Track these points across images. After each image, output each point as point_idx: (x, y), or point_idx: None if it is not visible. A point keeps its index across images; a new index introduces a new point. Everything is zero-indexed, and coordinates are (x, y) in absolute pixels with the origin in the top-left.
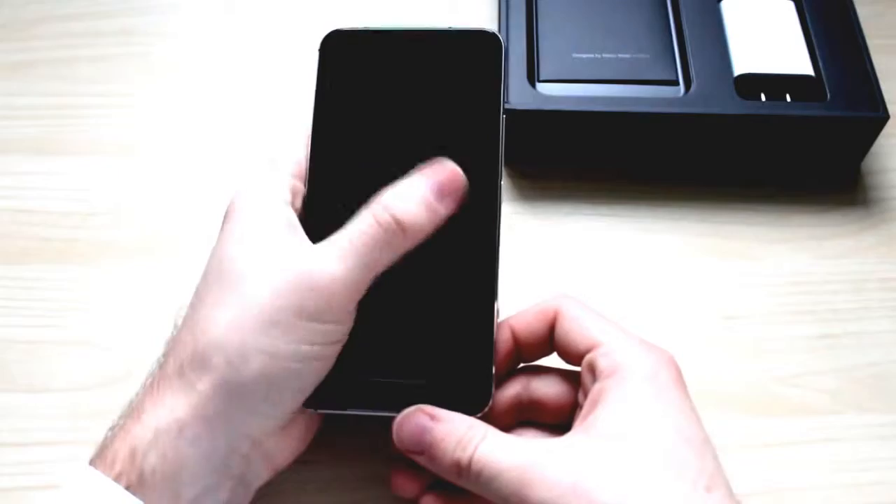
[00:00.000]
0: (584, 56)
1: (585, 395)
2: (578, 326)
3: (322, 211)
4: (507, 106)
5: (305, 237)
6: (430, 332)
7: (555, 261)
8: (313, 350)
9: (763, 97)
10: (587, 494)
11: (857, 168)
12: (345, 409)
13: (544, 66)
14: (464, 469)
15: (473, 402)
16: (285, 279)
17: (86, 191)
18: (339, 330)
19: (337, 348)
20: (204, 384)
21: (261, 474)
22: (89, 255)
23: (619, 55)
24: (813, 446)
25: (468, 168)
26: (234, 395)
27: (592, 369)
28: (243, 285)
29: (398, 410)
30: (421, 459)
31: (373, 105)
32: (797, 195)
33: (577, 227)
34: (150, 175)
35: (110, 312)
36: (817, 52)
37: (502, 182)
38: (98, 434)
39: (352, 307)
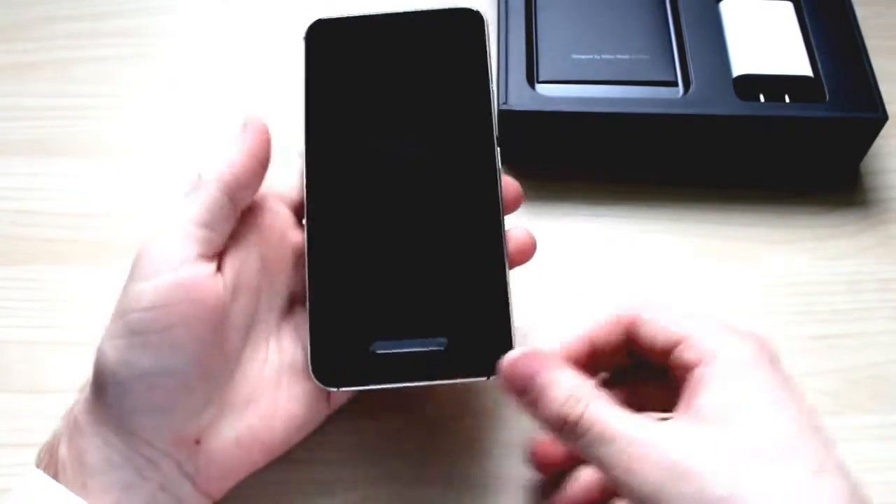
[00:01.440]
0: (584, 57)
1: (679, 390)
2: (657, 327)
3: (323, 203)
4: (506, 107)
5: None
6: (443, 296)
7: (554, 261)
8: (142, 321)
9: (762, 98)
10: (698, 479)
11: (856, 169)
12: (366, 385)
13: (543, 67)
14: (570, 424)
15: (494, 361)
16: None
17: (85, 192)
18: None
19: (187, 308)
20: (90, 384)
21: (188, 493)
22: (89, 256)
23: (619, 56)
24: None
25: (464, 140)
26: (100, 391)
27: (681, 363)
28: None
29: (421, 380)
30: (523, 402)
31: (364, 92)
32: (796, 196)
33: (576, 228)
34: (150, 176)
35: (110, 313)
36: (816, 53)
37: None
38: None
39: (168, 260)
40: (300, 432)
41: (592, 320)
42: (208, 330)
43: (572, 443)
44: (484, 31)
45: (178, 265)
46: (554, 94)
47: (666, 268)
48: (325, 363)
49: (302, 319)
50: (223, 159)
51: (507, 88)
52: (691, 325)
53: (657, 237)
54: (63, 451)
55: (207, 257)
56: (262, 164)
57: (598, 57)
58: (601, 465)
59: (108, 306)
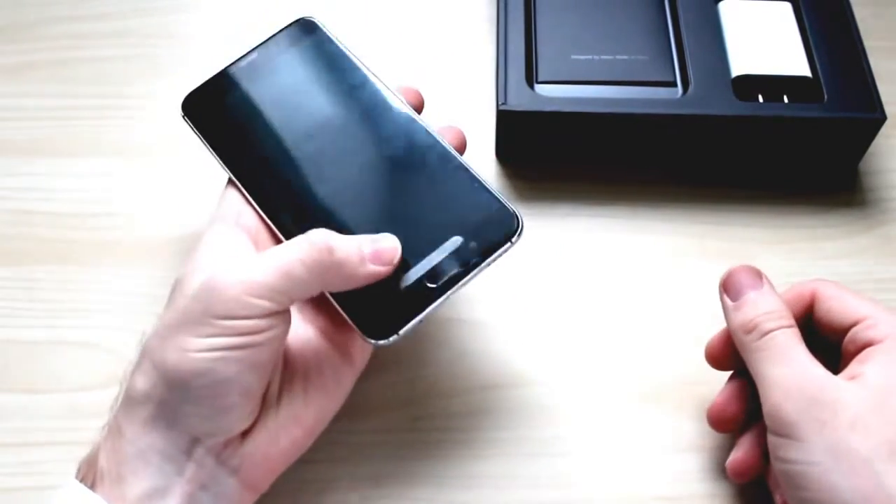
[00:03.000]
0: (583, 57)
1: (844, 366)
2: (840, 304)
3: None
4: (505, 107)
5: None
6: (430, 208)
7: (553, 261)
8: (230, 341)
9: (760, 98)
10: (831, 412)
11: (855, 169)
12: (419, 314)
13: (542, 67)
14: (759, 332)
15: (509, 230)
16: (199, 284)
17: (86, 192)
18: (256, 324)
19: (270, 336)
20: (135, 385)
21: (231, 489)
22: (90, 257)
23: (617, 56)
24: None
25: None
26: (157, 391)
27: (857, 341)
28: (174, 299)
29: (460, 280)
30: (728, 301)
31: (268, 128)
32: (795, 196)
33: (575, 228)
34: (151, 177)
35: (111, 314)
36: (815, 54)
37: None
38: (98, 435)
39: (263, 305)
40: (333, 401)
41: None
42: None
43: (750, 344)
44: (323, 29)
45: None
46: (553, 94)
47: (665, 267)
48: (369, 320)
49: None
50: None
51: (507, 88)
52: (872, 306)
53: (654, 238)
54: (102, 460)
55: None
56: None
57: (597, 57)
58: (761, 378)
59: (109, 306)
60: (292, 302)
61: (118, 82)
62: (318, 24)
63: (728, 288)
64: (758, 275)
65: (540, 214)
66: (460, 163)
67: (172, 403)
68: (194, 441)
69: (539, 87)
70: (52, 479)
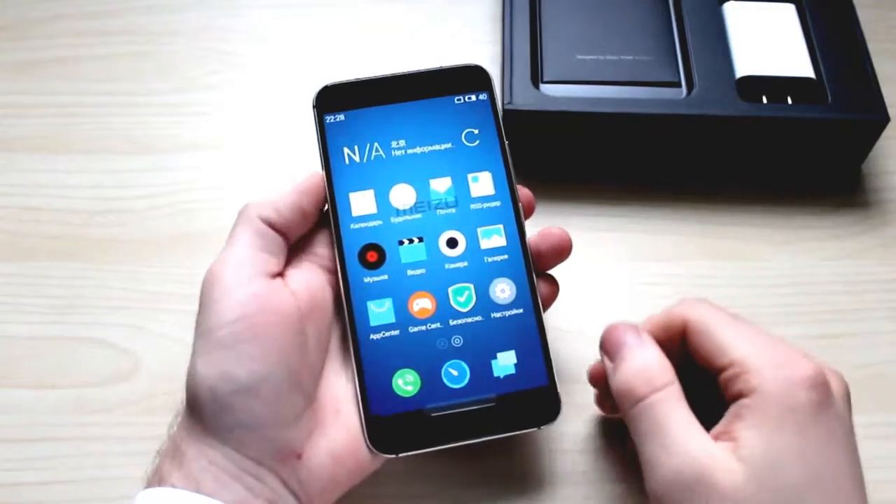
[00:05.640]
0: (588, 58)
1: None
2: (709, 342)
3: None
4: (510, 107)
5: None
6: (484, 354)
7: None
8: (237, 326)
9: (764, 99)
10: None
11: (858, 170)
12: (424, 448)
13: (548, 67)
14: (629, 399)
15: (544, 416)
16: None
17: (92, 189)
18: (257, 291)
19: (273, 315)
20: (184, 405)
21: None
22: (96, 253)
23: (622, 57)
24: None
25: None
26: (198, 412)
27: (728, 388)
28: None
29: (476, 436)
30: (609, 366)
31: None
32: (798, 197)
33: (579, 227)
34: (157, 173)
35: (116, 309)
36: (818, 55)
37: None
38: (104, 430)
39: (240, 278)
40: None
41: (648, 320)
42: (290, 337)
43: (627, 413)
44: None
45: (248, 281)
46: (558, 93)
47: (668, 267)
48: (378, 432)
49: None
50: (268, 192)
51: (512, 88)
52: (739, 346)
53: (659, 238)
54: (175, 478)
55: (272, 275)
56: (308, 199)
57: (603, 57)
58: (640, 453)
59: (115, 302)
60: (287, 239)
61: (125, 79)
62: (489, 76)
63: (607, 349)
64: (632, 329)
65: (545, 214)
66: (534, 322)
67: (214, 420)
68: (256, 460)
69: (544, 87)
70: (57, 475)
